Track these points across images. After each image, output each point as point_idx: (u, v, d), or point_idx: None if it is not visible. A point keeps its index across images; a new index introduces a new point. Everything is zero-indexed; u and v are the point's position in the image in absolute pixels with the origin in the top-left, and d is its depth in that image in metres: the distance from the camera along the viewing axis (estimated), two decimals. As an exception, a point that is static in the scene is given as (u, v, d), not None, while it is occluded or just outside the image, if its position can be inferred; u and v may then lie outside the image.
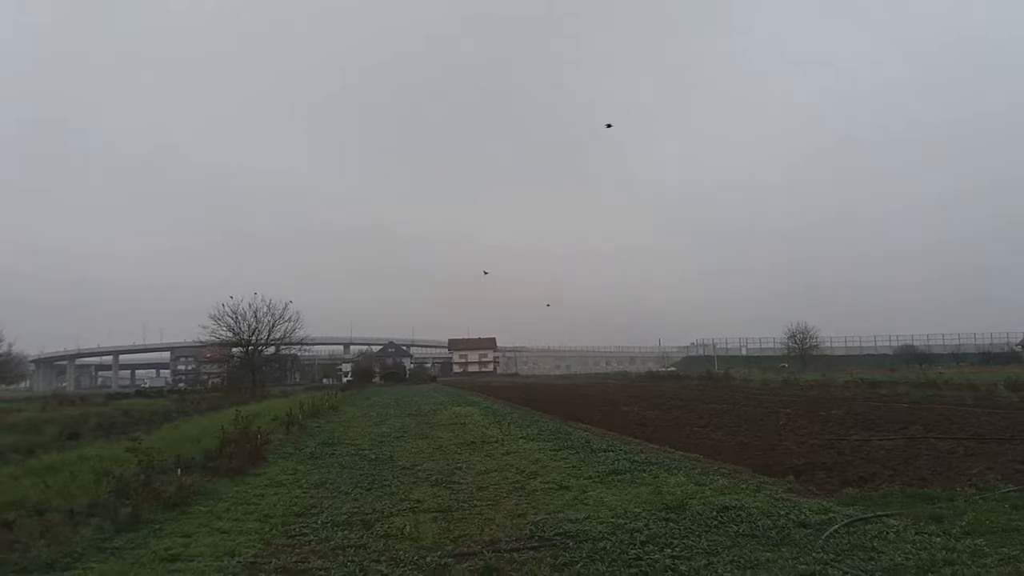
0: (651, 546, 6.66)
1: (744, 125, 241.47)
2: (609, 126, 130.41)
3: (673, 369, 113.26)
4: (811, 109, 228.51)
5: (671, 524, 7.56)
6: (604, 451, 13.87)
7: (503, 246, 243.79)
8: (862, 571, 5.68)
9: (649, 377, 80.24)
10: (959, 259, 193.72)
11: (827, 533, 6.85)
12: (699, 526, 7.43)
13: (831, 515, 7.68)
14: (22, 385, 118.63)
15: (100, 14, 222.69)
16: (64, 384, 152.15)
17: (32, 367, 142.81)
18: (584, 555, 6.46)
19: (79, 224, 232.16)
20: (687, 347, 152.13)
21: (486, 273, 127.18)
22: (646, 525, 7.54)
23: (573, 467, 12.08)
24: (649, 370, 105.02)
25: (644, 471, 11.27)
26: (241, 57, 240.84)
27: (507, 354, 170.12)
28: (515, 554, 6.64)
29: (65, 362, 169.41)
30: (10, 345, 73.12)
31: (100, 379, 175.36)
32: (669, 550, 6.48)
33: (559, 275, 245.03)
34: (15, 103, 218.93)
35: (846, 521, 7.31)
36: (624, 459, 12.66)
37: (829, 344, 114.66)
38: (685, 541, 6.80)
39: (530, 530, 7.59)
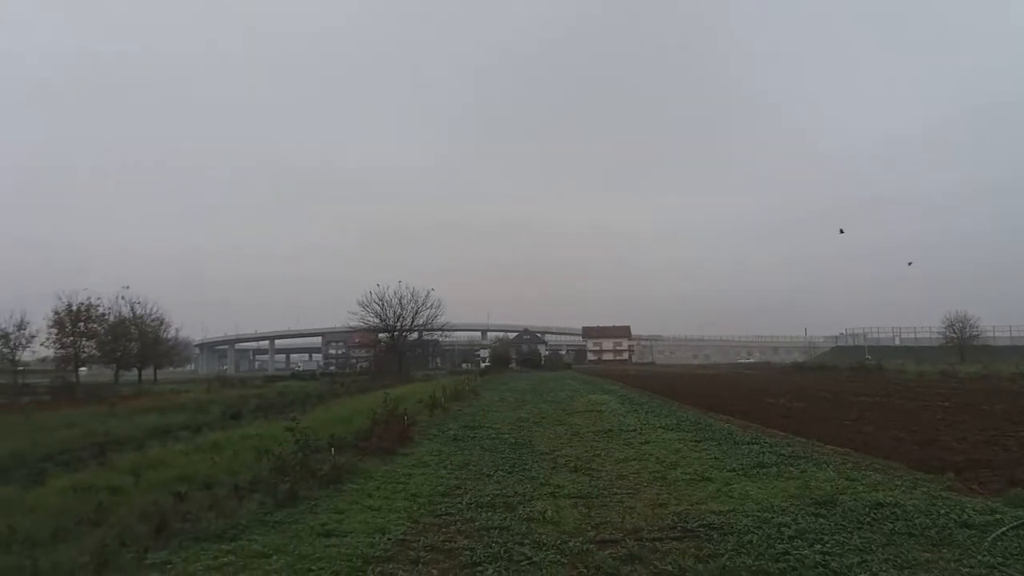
0: (800, 541, 6.47)
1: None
2: (842, 232, 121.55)
3: (815, 359, 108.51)
4: (971, 67, 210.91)
5: (821, 520, 7.30)
6: (748, 444, 13.53)
7: (636, 232, 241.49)
8: (1035, 578, 5.32)
9: (795, 368, 77.27)
10: None
11: (994, 535, 6.43)
12: (851, 522, 7.14)
13: (997, 516, 7.19)
14: (188, 368, 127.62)
15: (262, 46, 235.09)
16: (225, 367, 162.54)
17: (197, 351, 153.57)
18: (729, 548, 6.36)
19: (245, 225, 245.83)
20: (835, 337, 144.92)
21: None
22: (794, 520, 7.31)
23: (715, 459, 11.86)
24: (794, 361, 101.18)
25: (791, 465, 10.92)
26: (380, 64, 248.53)
27: (642, 342, 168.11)
28: (657, 543, 6.61)
29: (226, 347, 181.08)
30: (177, 331, 78.76)
31: (257, 363, 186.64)
32: (819, 546, 6.27)
33: (695, 261, 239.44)
34: (196, 118, 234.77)
35: (1015, 523, 6.83)
36: (769, 452, 12.30)
37: (992, 334, 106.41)
38: (836, 537, 6.55)
39: (672, 520, 7.53)
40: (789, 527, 7.00)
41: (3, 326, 50.04)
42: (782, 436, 14.79)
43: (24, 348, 53.23)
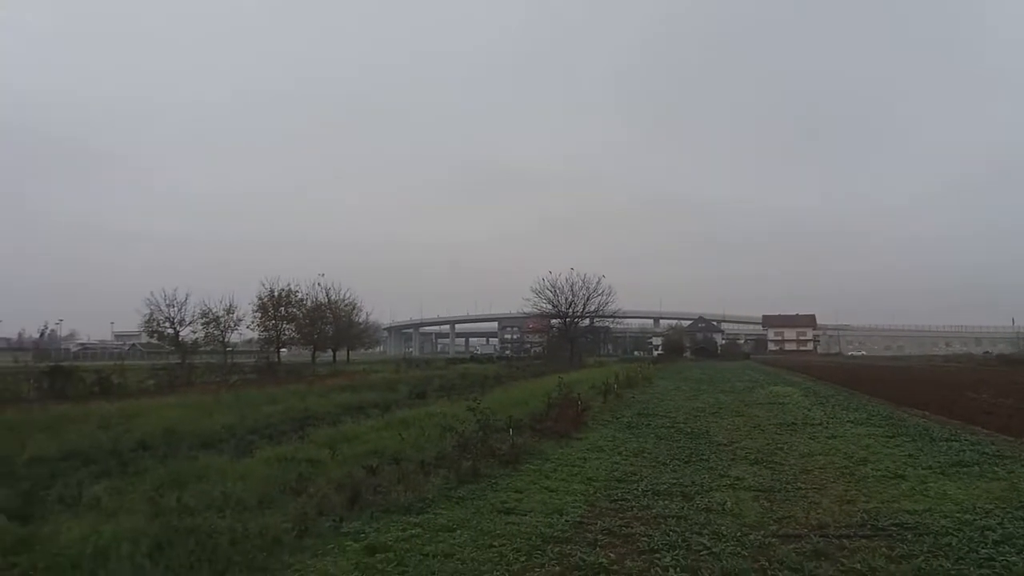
0: (1007, 547, 6.00)
1: None
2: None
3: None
4: None
5: (1033, 525, 6.72)
6: (946, 440, 12.62)
7: (820, 213, 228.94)
8: None
9: (1000, 360, 70.80)
10: None
11: None
12: (1069, 531, 6.52)
13: None
14: (377, 350, 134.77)
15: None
16: (410, 349, 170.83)
17: (385, 334, 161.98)
18: (925, 549, 6.00)
19: (432, 215, 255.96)
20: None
21: None
22: (1000, 523, 6.78)
23: (909, 456, 11.15)
24: (1000, 353, 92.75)
25: (995, 464, 10.11)
26: (542, 61, 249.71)
27: (828, 332, 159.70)
28: (845, 540, 6.34)
29: (411, 330, 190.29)
30: (367, 315, 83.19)
31: (439, 345, 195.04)
32: (1031, 553, 5.79)
33: (883, 243, 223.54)
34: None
35: None
36: (971, 450, 11.43)
37: None
38: (1052, 546, 6.01)
39: (861, 517, 7.20)
40: (994, 531, 6.51)
41: (215, 310, 54.65)
42: (985, 433, 13.67)
43: (232, 331, 58.02)
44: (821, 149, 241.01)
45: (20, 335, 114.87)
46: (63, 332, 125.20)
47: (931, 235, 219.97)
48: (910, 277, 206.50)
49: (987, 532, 6.47)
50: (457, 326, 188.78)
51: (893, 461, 10.66)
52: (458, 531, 6.71)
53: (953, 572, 5.41)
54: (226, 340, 57.05)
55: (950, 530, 6.59)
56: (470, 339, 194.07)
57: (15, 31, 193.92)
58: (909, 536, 6.44)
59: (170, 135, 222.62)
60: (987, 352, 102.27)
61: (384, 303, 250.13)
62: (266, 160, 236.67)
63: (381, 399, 22.45)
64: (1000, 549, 5.95)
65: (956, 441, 12.53)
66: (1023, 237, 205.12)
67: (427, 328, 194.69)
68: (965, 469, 9.86)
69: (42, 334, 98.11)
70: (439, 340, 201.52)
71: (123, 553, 5.45)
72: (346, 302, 73.36)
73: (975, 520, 6.94)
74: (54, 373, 26.17)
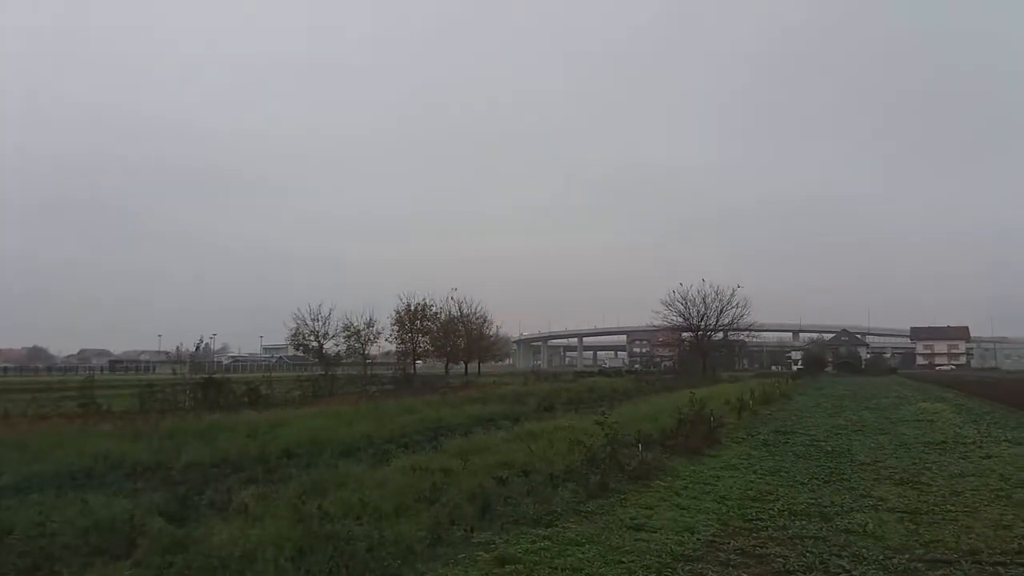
0: None
1: None
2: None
3: None
4: None
5: None
6: (1120, 463, 11.59)
7: (978, 219, 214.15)
8: None
9: None
10: None
11: None
12: None
13: None
14: (507, 362, 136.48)
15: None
16: (539, 362, 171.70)
17: (514, 347, 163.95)
18: (1093, 580, 5.55)
19: (561, 227, 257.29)
20: None
21: None
22: None
23: (1076, 478, 10.31)
24: None
25: None
26: (673, 58, 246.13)
27: (983, 345, 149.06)
28: (1000, 568, 5.96)
29: (539, 343, 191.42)
30: (498, 328, 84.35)
31: (567, 358, 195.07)
32: None
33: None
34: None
35: None
36: None
37: None
38: None
39: (1019, 544, 6.74)
40: None
41: (356, 324, 56.84)
42: None
43: (372, 343, 60.11)
44: (992, 149, 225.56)
45: (178, 349, 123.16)
46: (216, 346, 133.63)
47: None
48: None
49: None
50: (585, 339, 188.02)
51: (1057, 484, 9.88)
52: (587, 545, 6.72)
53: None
54: (366, 352, 59.16)
55: None
56: (598, 352, 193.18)
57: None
58: (1077, 567, 5.97)
59: (316, 163, 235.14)
60: None
61: (514, 316, 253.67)
62: (402, 183, 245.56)
63: (510, 411, 22.75)
64: None
65: None
66: None
67: (555, 341, 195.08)
68: None
69: (197, 347, 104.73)
70: (567, 353, 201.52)
71: (267, 556, 5.77)
72: (477, 315, 74.65)
73: None
74: (207, 385, 27.72)
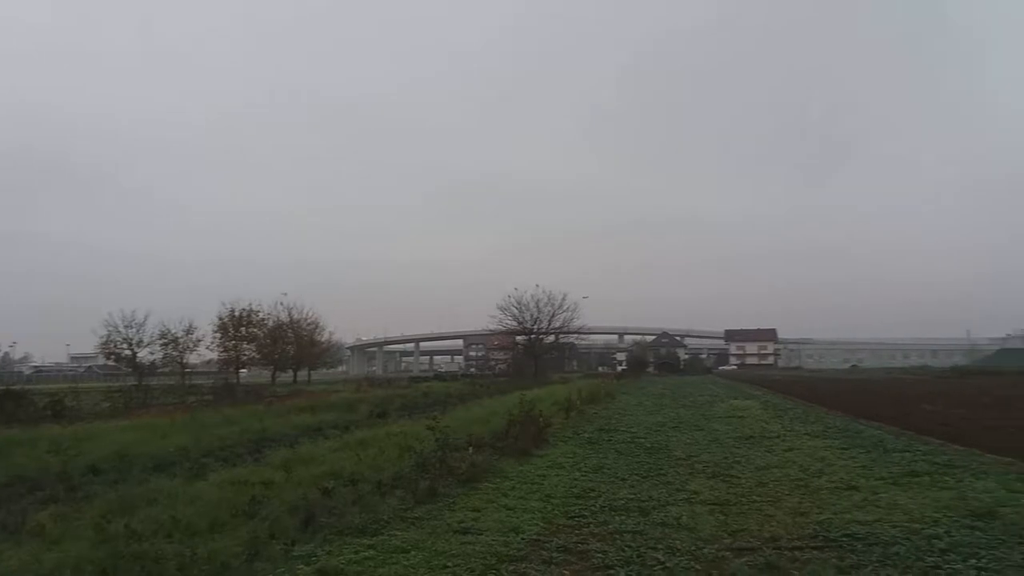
0: (952, 555, 6.10)
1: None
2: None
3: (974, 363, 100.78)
4: None
5: (977, 533, 6.85)
6: (899, 451, 12.84)
7: (780, 226, 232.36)
8: None
9: (955, 372, 72.29)
10: None
11: None
12: (1012, 537, 6.66)
13: None
14: (340, 369, 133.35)
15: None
16: (374, 368, 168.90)
17: (348, 353, 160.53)
18: (874, 559, 6.09)
19: (394, 232, 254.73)
20: (1003, 339, 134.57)
21: None
22: (947, 532, 6.91)
23: (863, 467, 11.32)
24: (955, 364, 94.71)
25: (946, 474, 10.30)
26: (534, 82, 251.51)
27: (789, 346, 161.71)
28: (797, 552, 6.41)
29: (375, 349, 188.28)
30: (330, 334, 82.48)
31: (403, 364, 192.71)
32: (974, 560, 5.90)
33: (843, 259, 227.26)
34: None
35: None
36: (922, 460, 11.66)
37: None
38: (994, 552, 6.14)
39: (814, 529, 7.28)
40: (941, 540, 6.62)
41: (173, 331, 53.81)
42: (938, 444, 13.93)
43: (191, 351, 57.27)
44: (789, 166, 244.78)
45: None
46: (17, 355, 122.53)
47: (891, 251, 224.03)
48: (869, 292, 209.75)
49: (934, 541, 6.58)
50: (422, 344, 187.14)
51: (847, 472, 10.81)
52: (412, 552, 6.64)
53: (900, 581, 5.49)
54: (184, 361, 56.33)
55: (899, 539, 6.69)
56: (435, 357, 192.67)
57: None
58: (859, 546, 6.52)
59: (133, 149, 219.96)
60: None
61: (348, 322, 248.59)
62: (233, 178, 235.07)
63: (340, 419, 22.18)
64: (946, 557, 6.05)
65: (909, 452, 12.76)
66: (981, 254, 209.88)
67: (391, 347, 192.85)
68: (916, 479, 10.03)
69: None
70: (403, 359, 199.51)
71: (65, 581, 5.31)
72: (308, 321, 72.81)
73: (923, 529, 7.06)
74: (4, 396, 25.53)
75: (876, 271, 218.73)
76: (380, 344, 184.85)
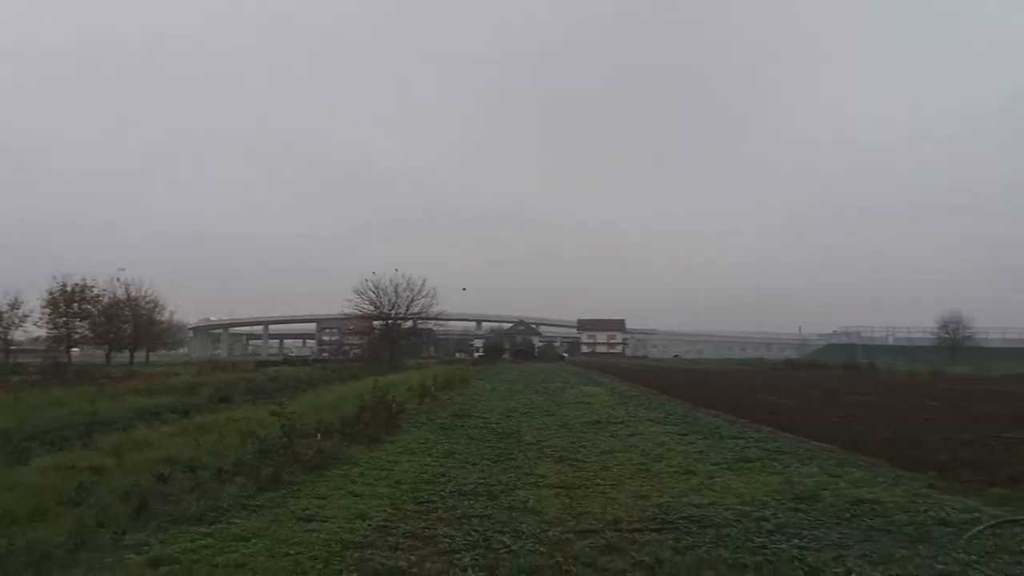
0: (778, 535, 6.50)
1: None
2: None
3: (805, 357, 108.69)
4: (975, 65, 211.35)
5: (801, 514, 7.33)
6: (734, 438, 13.58)
7: (635, 226, 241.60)
8: (1006, 575, 5.34)
9: (787, 365, 77.50)
10: None
11: (971, 533, 6.46)
12: (830, 518, 7.18)
13: (976, 515, 7.22)
14: (181, 351, 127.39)
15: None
16: (218, 351, 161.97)
17: (190, 334, 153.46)
18: (708, 540, 6.38)
19: (246, 210, 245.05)
20: (829, 335, 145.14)
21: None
22: (774, 514, 7.35)
23: (700, 452, 11.90)
24: (787, 358, 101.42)
25: (775, 460, 10.97)
26: (375, 58, 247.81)
27: (636, 336, 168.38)
28: (637, 534, 6.63)
29: (220, 331, 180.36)
30: (171, 314, 78.76)
31: (251, 347, 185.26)
32: (797, 540, 6.30)
33: (692, 256, 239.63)
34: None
35: (993, 522, 6.85)
36: (755, 447, 12.37)
37: (985, 336, 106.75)
38: (814, 532, 6.60)
39: (653, 512, 7.55)
40: (769, 521, 7.04)
41: (-3, 306, 49.79)
42: (769, 431, 14.85)
43: (17, 327, 53.21)
44: (638, 171, 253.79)
45: None
46: None
47: (727, 254, 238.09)
48: (713, 289, 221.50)
49: (762, 522, 6.99)
50: (271, 327, 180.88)
51: (685, 458, 11.32)
52: (253, 540, 6.39)
53: (730, 561, 5.77)
54: (8, 338, 52.17)
55: (731, 521, 7.05)
56: (285, 341, 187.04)
57: None
58: (694, 528, 6.82)
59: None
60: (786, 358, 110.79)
61: (192, 302, 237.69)
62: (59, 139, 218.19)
63: (180, 403, 21.15)
64: (772, 538, 6.43)
65: (743, 439, 13.50)
66: (812, 260, 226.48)
67: (238, 329, 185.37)
68: (748, 464, 10.63)
69: None
70: (251, 342, 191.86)
71: None
72: (147, 299, 69.14)
73: (753, 512, 7.47)
74: None
75: (719, 273, 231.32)
76: (226, 326, 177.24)
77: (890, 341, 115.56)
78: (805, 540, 6.32)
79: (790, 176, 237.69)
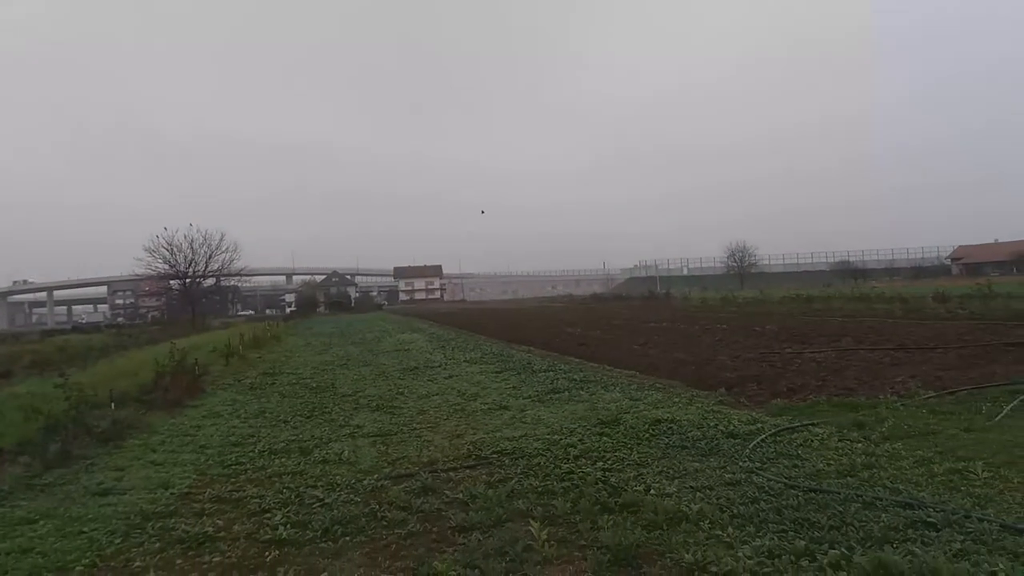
0: (584, 460, 6.83)
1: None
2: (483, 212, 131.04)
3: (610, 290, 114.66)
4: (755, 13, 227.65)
5: (605, 439, 7.74)
6: (544, 371, 14.07)
7: (447, 169, 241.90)
8: (785, 478, 5.89)
9: (593, 299, 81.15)
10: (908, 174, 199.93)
11: (754, 443, 7.08)
12: (631, 439, 7.63)
13: (759, 425, 7.95)
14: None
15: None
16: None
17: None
18: (519, 471, 6.59)
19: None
20: (631, 269, 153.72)
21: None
22: (580, 440, 7.72)
23: (513, 388, 12.25)
24: (594, 292, 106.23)
25: (582, 389, 11.49)
26: None
27: (454, 281, 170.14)
28: (451, 473, 6.74)
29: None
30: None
31: (35, 316, 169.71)
32: (601, 463, 6.65)
33: (504, 199, 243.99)
34: None
35: (773, 431, 7.56)
36: (563, 378, 12.88)
37: (768, 262, 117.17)
38: (617, 454, 6.99)
39: (467, 450, 7.69)
40: (575, 447, 7.38)
41: None
42: (576, 362, 15.54)
43: None
44: (444, 112, 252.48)
45: None
46: None
47: (546, 198, 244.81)
48: (525, 233, 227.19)
49: (569, 449, 7.32)
50: (57, 293, 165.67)
51: (500, 394, 11.63)
52: (41, 521, 5.92)
53: (540, 488, 6.00)
54: None
55: (541, 451, 7.33)
56: (74, 307, 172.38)
57: None
58: (507, 461, 7.03)
59: None
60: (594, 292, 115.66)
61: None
62: None
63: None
64: (579, 463, 6.75)
65: (552, 371, 14.03)
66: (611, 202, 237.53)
67: (18, 297, 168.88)
68: (557, 395, 11.08)
69: None
70: (35, 310, 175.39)
71: None
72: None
73: (561, 440, 7.80)
74: None
75: (531, 217, 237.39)
76: (3, 294, 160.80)
77: (685, 272, 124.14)
78: (609, 462, 6.68)
79: (597, 125, 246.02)
